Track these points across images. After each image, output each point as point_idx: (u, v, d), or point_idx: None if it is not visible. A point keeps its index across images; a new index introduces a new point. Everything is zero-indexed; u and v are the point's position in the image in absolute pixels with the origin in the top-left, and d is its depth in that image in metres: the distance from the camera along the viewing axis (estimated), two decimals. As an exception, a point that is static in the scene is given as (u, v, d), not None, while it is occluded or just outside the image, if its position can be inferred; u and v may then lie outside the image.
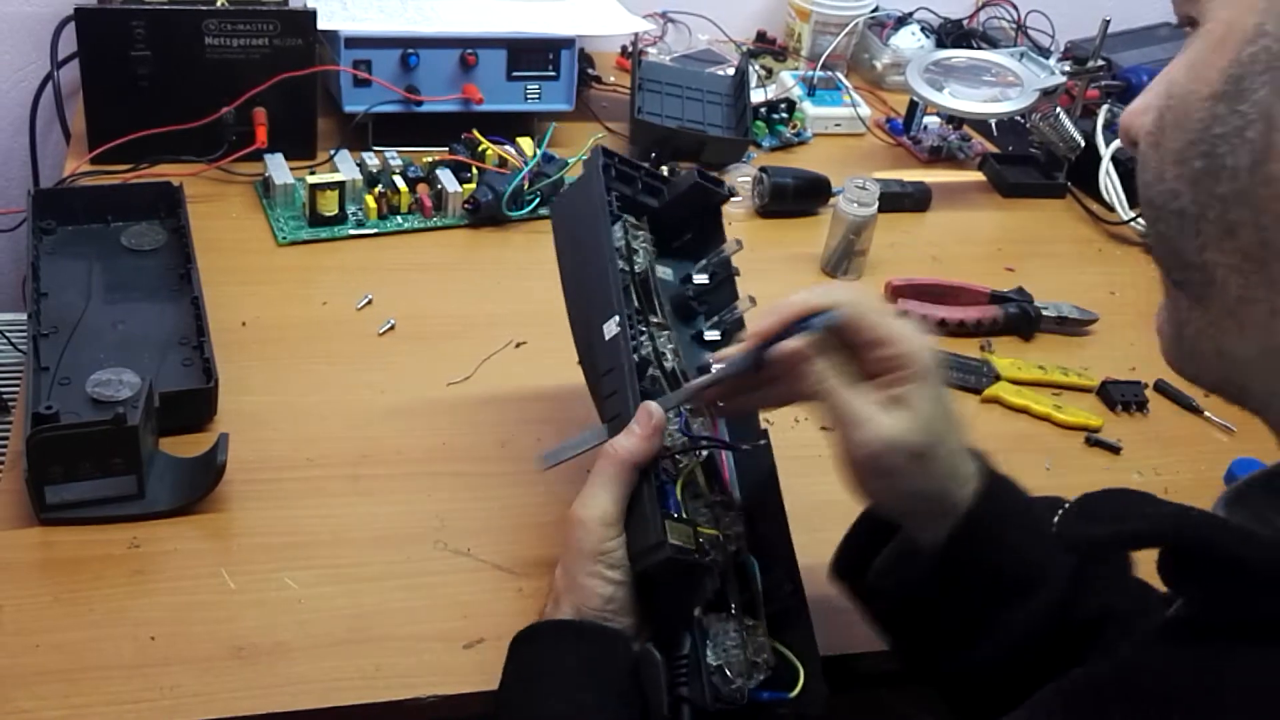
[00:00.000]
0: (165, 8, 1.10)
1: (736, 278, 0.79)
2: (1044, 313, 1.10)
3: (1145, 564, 0.66)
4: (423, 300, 1.03)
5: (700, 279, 0.79)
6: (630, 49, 1.37)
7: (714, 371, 0.67)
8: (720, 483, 0.71)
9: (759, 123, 1.38)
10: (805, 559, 0.80)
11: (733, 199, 0.82)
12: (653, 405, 0.66)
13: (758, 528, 0.71)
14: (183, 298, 0.94)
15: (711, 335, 0.78)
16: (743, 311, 0.77)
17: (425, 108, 1.21)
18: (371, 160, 1.16)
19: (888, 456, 0.62)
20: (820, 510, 0.84)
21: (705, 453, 0.70)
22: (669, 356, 0.72)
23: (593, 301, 0.74)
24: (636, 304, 0.73)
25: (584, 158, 1.12)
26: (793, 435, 0.93)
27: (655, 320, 0.74)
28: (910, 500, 0.64)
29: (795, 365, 0.64)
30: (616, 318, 0.71)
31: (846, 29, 1.54)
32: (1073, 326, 1.12)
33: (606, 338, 0.71)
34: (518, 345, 0.99)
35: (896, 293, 1.11)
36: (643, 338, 0.72)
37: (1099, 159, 1.32)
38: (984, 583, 0.64)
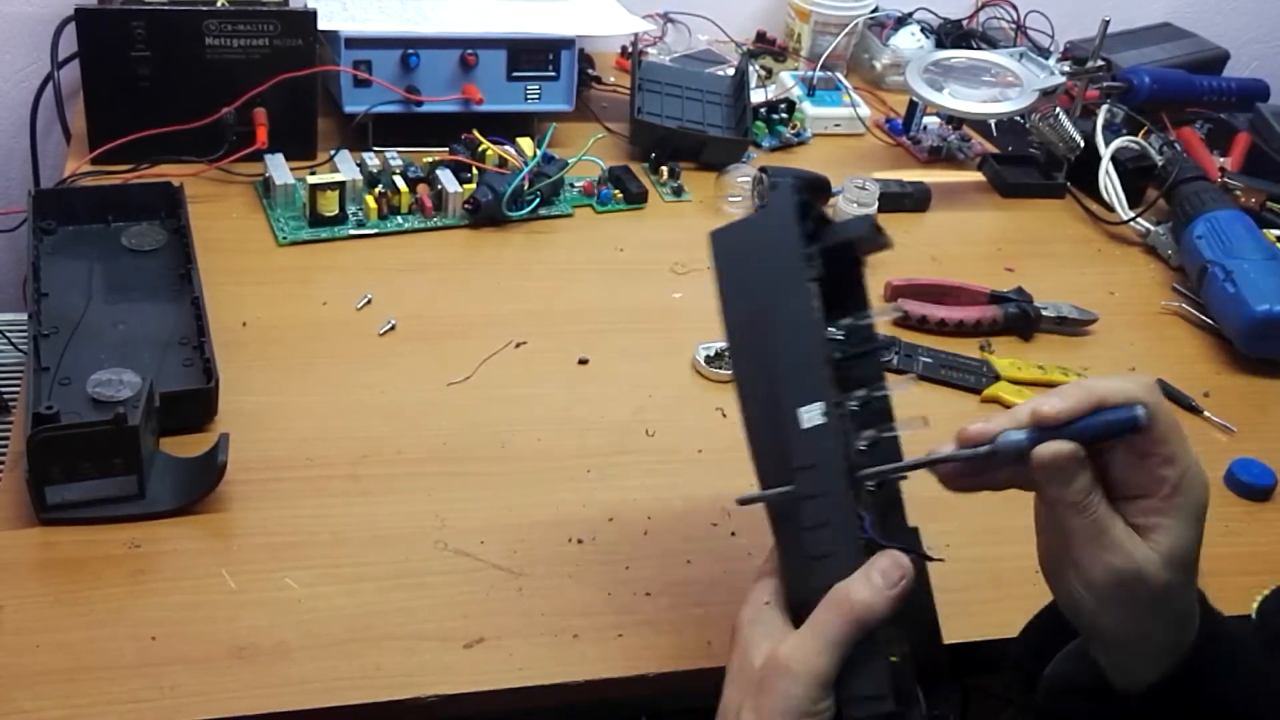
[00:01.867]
0: (165, 8, 1.10)
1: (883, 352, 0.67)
2: (1043, 313, 1.10)
3: None
4: (423, 300, 1.03)
5: (835, 335, 0.64)
6: (630, 49, 1.37)
7: (965, 450, 0.59)
8: None
9: (759, 123, 1.38)
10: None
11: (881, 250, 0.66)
12: (902, 557, 0.57)
13: (912, 640, 0.61)
14: (183, 298, 0.94)
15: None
16: (890, 393, 0.64)
17: (425, 108, 1.21)
18: (372, 160, 1.16)
19: (1129, 591, 0.57)
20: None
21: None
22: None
23: (780, 373, 0.61)
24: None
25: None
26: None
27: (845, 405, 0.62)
28: (1133, 637, 0.59)
29: (1062, 469, 0.57)
30: (822, 405, 0.59)
31: (846, 29, 1.54)
32: (1072, 326, 1.12)
33: (803, 426, 0.60)
34: (518, 345, 0.99)
35: (896, 292, 1.11)
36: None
37: (1099, 159, 1.32)
38: None
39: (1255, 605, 0.59)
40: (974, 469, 0.61)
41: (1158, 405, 0.57)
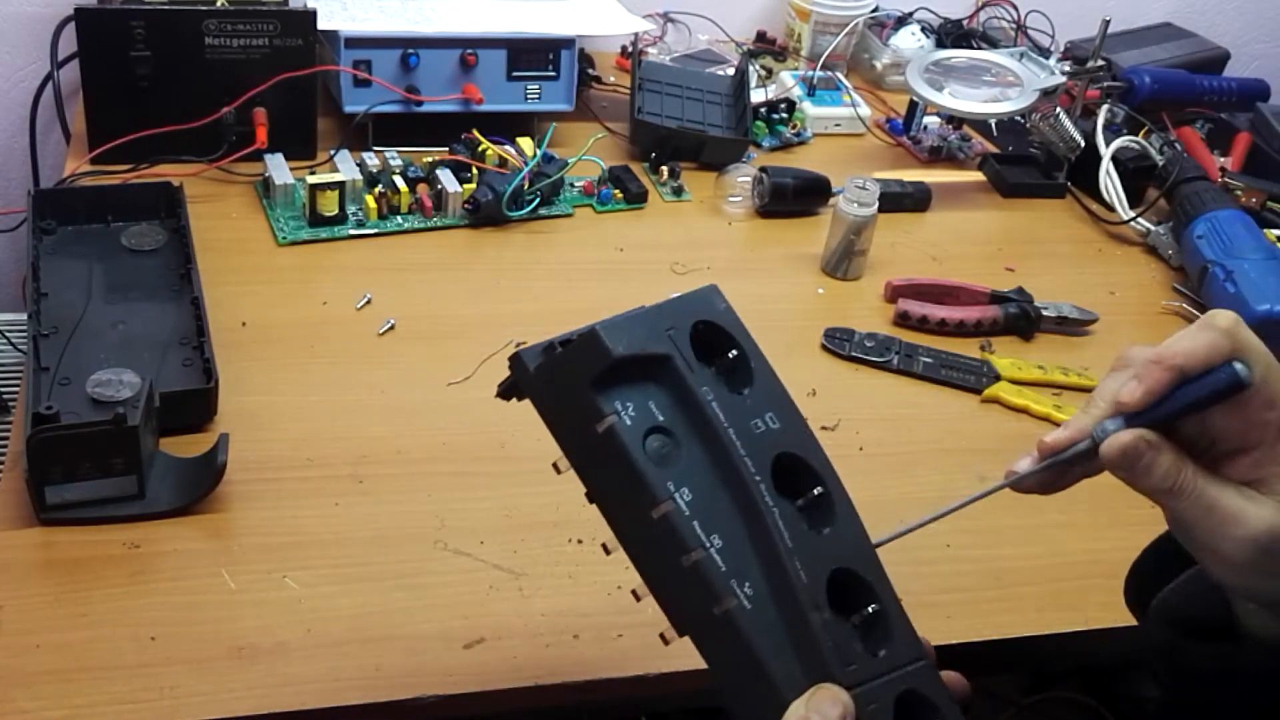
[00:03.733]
0: (165, 8, 1.10)
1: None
2: (1044, 313, 1.10)
3: None
4: (423, 300, 1.03)
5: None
6: (630, 49, 1.37)
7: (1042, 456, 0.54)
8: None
9: (759, 123, 1.38)
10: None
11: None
12: (838, 692, 0.48)
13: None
14: (183, 298, 0.94)
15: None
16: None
17: (425, 108, 1.21)
18: (371, 160, 1.16)
19: (1270, 548, 0.50)
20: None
21: None
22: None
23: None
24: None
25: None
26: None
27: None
28: None
29: (1135, 460, 0.51)
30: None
31: (846, 29, 1.54)
32: (1073, 326, 1.12)
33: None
34: (518, 345, 0.99)
35: (897, 292, 1.11)
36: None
37: (1099, 159, 1.32)
38: None
39: None
40: (1055, 478, 0.55)
41: (1246, 344, 0.50)
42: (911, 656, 0.53)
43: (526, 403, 0.89)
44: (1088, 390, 1.03)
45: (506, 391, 0.59)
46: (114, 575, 0.73)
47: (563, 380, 0.55)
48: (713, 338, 0.57)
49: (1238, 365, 0.50)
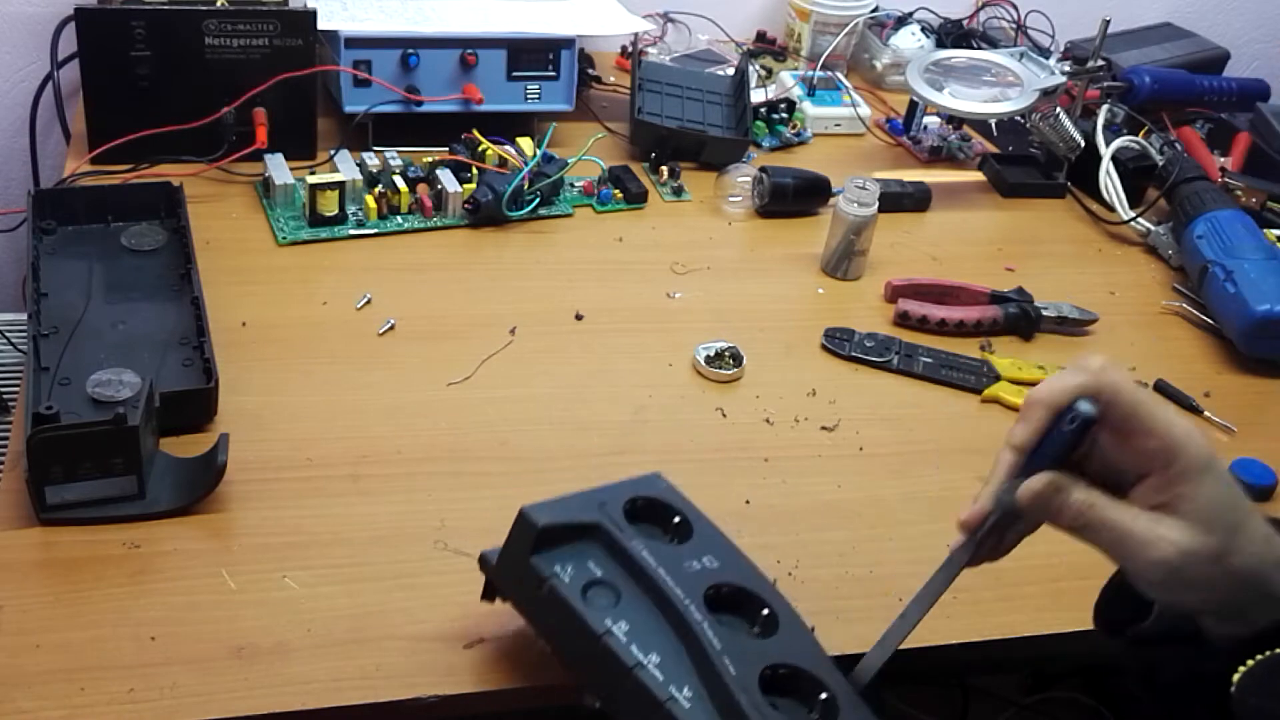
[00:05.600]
0: (165, 8, 1.10)
1: None
2: (1044, 313, 1.10)
3: None
4: (423, 300, 1.03)
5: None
6: (630, 49, 1.37)
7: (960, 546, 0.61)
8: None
9: (759, 123, 1.38)
10: (808, 560, 0.80)
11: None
12: None
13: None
14: (183, 298, 0.94)
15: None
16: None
17: (425, 108, 1.21)
18: (371, 160, 1.16)
19: (1188, 571, 0.55)
20: (821, 511, 0.84)
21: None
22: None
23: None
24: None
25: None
26: (793, 435, 0.93)
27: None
28: (1221, 603, 0.57)
29: (1046, 501, 0.57)
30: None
31: (846, 29, 1.54)
32: (1072, 326, 1.12)
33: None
34: (518, 345, 0.99)
35: (897, 292, 1.11)
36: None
37: (1099, 159, 1.32)
38: None
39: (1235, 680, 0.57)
40: (996, 542, 0.61)
41: (1111, 383, 0.56)
42: None
43: (525, 402, 0.90)
44: (1088, 390, 1.03)
45: (486, 592, 0.70)
46: (114, 575, 0.73)
47: (511, 561, 0.66)
48: (655, 509, 0.70)
49: (1080, 404, 0.55)
